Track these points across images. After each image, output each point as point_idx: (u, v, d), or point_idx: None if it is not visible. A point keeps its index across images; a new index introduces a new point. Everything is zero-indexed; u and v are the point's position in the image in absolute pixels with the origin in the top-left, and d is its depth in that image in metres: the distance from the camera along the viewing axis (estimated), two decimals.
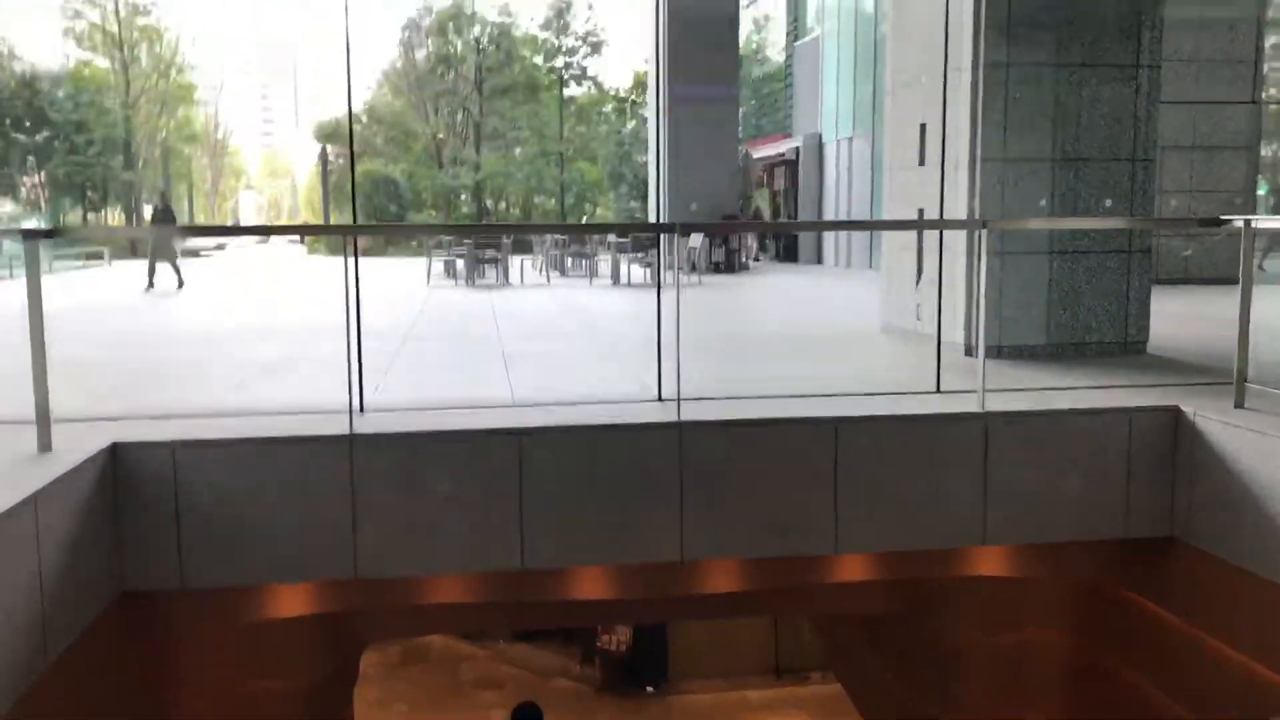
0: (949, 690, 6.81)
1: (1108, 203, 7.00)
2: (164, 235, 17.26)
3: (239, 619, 5.54)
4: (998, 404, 5.42)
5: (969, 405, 5.39)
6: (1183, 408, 5.35)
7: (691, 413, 5.19)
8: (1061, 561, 5.89)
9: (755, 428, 5.17)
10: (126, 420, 5.10)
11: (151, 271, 16.32)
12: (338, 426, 4.91)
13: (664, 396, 5.57)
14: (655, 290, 5.89)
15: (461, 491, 4.91)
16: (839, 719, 14.65)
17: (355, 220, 22.51)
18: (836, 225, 20.98)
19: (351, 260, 5.35)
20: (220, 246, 45.95)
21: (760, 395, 5.70)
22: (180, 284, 16.31)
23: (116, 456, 4.65)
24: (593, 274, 18.52)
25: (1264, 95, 14.52)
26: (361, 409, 5.25)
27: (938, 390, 5.82)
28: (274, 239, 53.66)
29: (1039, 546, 5.83)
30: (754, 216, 24.68)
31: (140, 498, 4.70)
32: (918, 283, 7.98)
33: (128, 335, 10.23)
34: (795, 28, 27.84)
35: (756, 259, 24.16)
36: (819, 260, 23.38)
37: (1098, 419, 5.40)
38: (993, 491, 5.28)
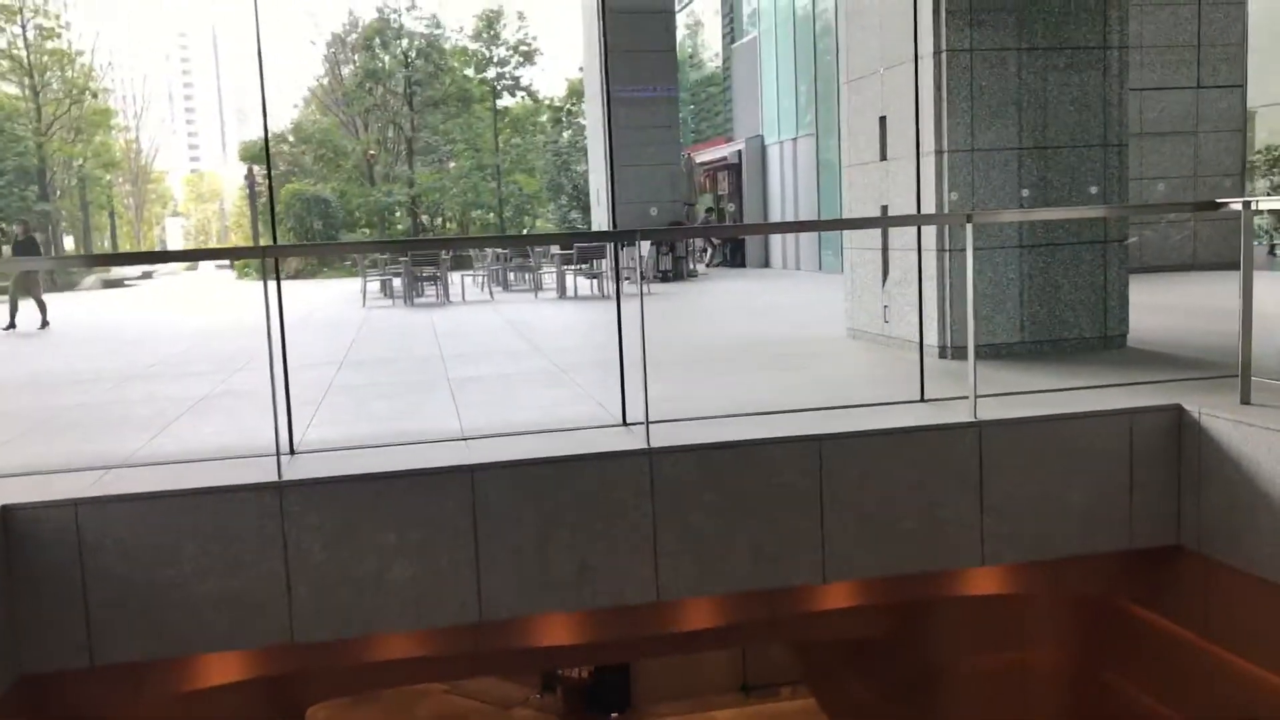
0: (942, 712, 6.40)
1: (1094, 189, 6.67)
2: (26, 269, 15.10)
3: (162, 692, 4.92)
4: (990, 411, 5.01)
5: (960, 414, 4.98)
6: (1185, 406, 4.99)
7: (661, 437, 4.71)
8: (1062, 576, 5.49)
9: (731, 450, 4.70)
10: (17, 478, 4.47)
11: (13, 310, 14.64)
12: (264, 473, 4.34)
13: (629, 420, 5.08)
14: (609, 302, 5.40)
15: (407, 539, 4.37)
16: None
17: (276, 241, 21.58)
18: (811, 226, 20.54)
19: (275, 284, 4.78)
20: (147, 275, 44.44)
21: (733, 414, 5.24)
22: (44, 323, 14.52)
23: (6, 521, 4.04)
24: (537, 287, 17.97)
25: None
26: (291, 450, 4.68)
27: (922, 399, 5.41)
28: (202, 265, 52.03)
29: (1039, 562, 5.44)
30: (701, 223, 24.28)
31: (37, 567, 4.10)
32: (884, 284, 7.59)
33: (11, 380, 9.13)
34: (731, 30, 27.58)
35: (708, 265, 23.78)
36: (766, 264, 23.06)
37: (1096, 423, 5.01)
38: (989, 506, 4.87)
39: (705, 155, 26.80)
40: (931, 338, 6.85)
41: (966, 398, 5.02)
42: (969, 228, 4.97)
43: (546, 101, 45.40)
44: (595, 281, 16.65)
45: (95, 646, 4.14)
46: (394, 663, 5.55)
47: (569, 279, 16.88)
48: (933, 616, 6.10)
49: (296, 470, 4.42)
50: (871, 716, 7.24)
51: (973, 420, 4.90)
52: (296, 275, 31.42)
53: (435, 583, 4.40)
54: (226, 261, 39.15)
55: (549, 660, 6.45)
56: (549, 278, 17.96)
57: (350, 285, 20.06)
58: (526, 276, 18.96)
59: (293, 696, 5.83)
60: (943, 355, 6.85)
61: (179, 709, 5.13)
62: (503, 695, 16.33)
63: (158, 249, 61.57)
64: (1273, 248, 15.64)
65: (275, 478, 4.29)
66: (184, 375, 8.26)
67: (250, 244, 43.01)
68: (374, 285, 18.02)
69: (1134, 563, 5.25)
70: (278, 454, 4.42)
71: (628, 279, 15.02)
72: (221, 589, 4.23)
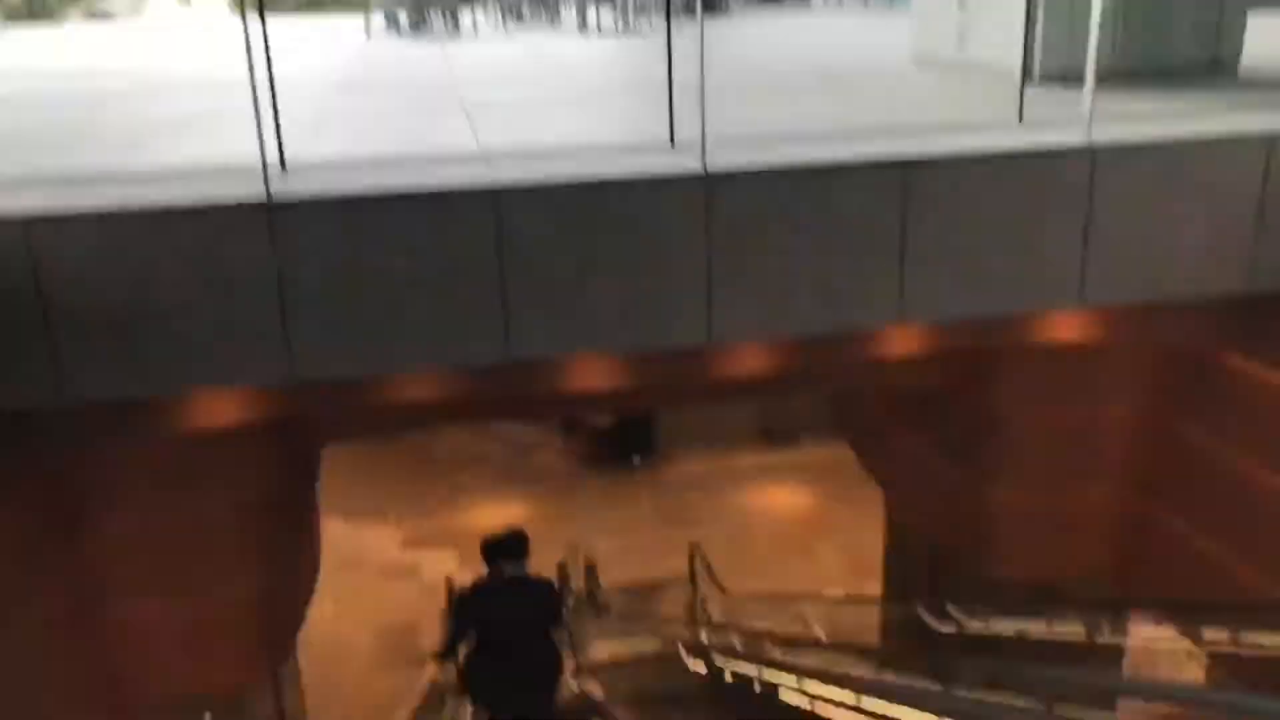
0: (996, 464, 6.03)
1: None
2: None
3: (157, 432, 4.50)
4: (1105, 134, 4.24)
5: (1071, 137, 4.21)
6: None
7: (716, 161, 3.98)
8: (1154, 323, 4.92)
9: (799, 176, 3.99)
10: None
11: None
12: (251, 188, 3.67)
13: (677, 142, 4.33)
14: (634, 36, 4.49)
15: (423, 268, 3.76)
16: (830, 482, 14.33)
17: None
18: None
19: None
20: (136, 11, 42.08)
21: (802, 137, 4.49)
22: None
23: None
24: (555, 21, 16.55)
25: None
26: (283, 165, 3.98)
27: (1020, 120, 4.62)
28: (195, 3, 49.07)
29: (1128, 309, 4.84)
30: None
31: None
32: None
33: None
34: None
35: None
36: (806, 1, 21.22)
37: (1227, 152, 4.26)
38: (1094, 241, 4.20)
39: None
40: (1013, 59, 5.93)
41: (1073, 122, 4.23)
42: None
43: None
44: (618, 15, 15.26)
45: (65, 381, 3.63)
46: (412, 405, 5.10)
47: (590, 10, 15.47)
48: (1002, 367, 5.60)
49: (290, 188, 3.74)
50: (918, 468, 6.91)
51: (1086, 144, 4.14)
52: (298, 9, 29.45)
53: (455, 317, 3.84)
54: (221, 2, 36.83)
55: (582, 407, 6.03)
56: (567, 11, 16.54)
57: (353, 22, 18.54)
58: (542, 11, 17.48)
59: (303, 439, 5.47)
60: (1030, 82, 5.96)
61: (177, 453, 4.75)
62: (523, 439, 16.43)
63: None
64: None
65: (264, 196, 3.63)
66: (167, 96, 7.41)
67: None
68: (379, 20, 16.65)
69: (1244, 310, 4.64)
70: (264, 168, 3.71)
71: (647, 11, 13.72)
72: (207, 321, 3.67)
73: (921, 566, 7.90)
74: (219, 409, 4.60)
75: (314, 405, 4.87)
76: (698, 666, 6.59)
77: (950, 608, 7.37)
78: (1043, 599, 6.78)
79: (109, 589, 4.97)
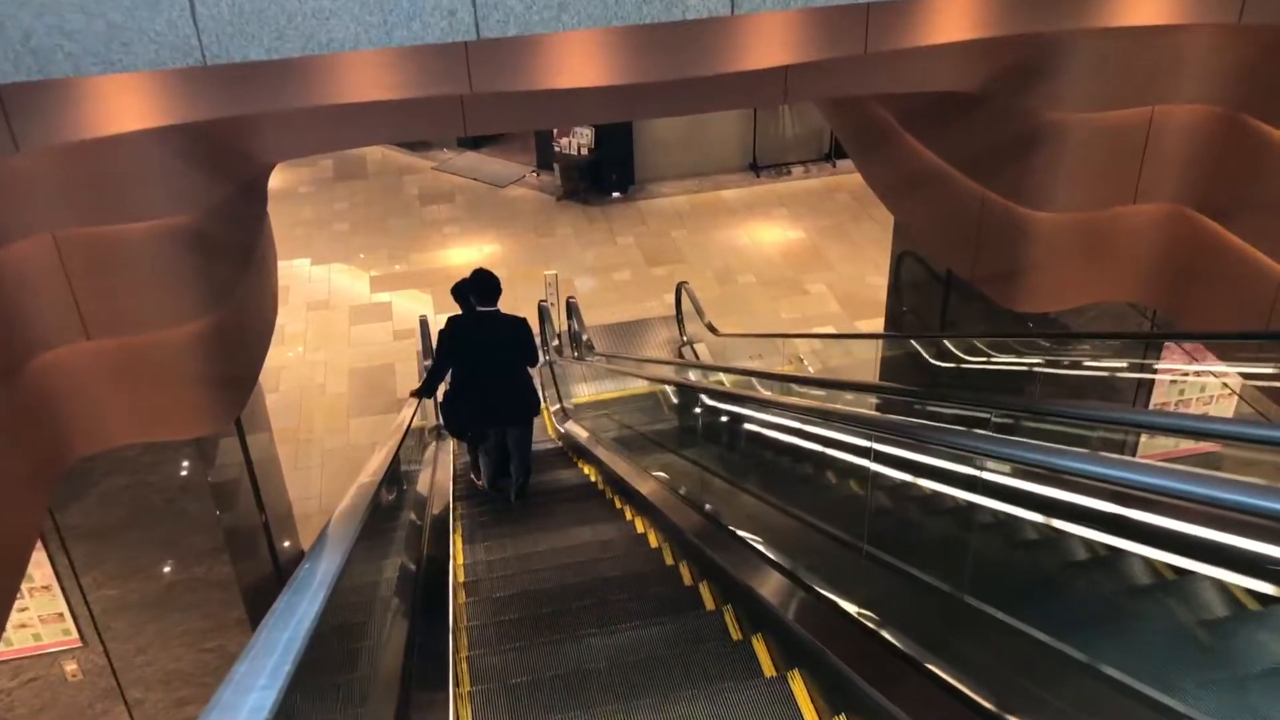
0: (1037, 180, 5.31)
1: None
2: None
3: (53, 133, 3.64)
4: None
5: None
6: None
7: None
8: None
9: None
10: None
11: None
12: None
13: None
14: None
15: None
16: (822, 216, 13.63)
17: None
18: None
19: None
20: None
21: None
22: None
23: None
24: None
25: None
26: None
27: None
28: None
29: None
30: None
31: None
32: None
33: None
34: None
35: None
36: None
37: None
38: None
39: None
40: None
41: None
42: None
43: None
44: None
45: None
46: (361, 109, 4.23)
47: None
48: (1051, 61, 4.76)
49: None
50: (936, 187, 6.17)
51: None
52: None
53: None
54: None
55: (562, 113, 5.16)
56: None
57: None
58: None
59: (238, 148, 4.61)
60: None
61: (85, 162, 3.91)
62: (495, 173, 15.45)
63: None
64: None
65: None
66: None
67: None
68: None
69: None
70: None
71: None
72: None
73: (932, 297, 7.34)
74: (121, 108, 3.72)
75: (239, 104, 3.99)
76: (681, 407, 6.14)
77: (947, 341, 6.91)
78: (1065, 332, 6.30)
79: (28, 335, 4.28)
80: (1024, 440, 2.30)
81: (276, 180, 15.13)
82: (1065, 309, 5.85)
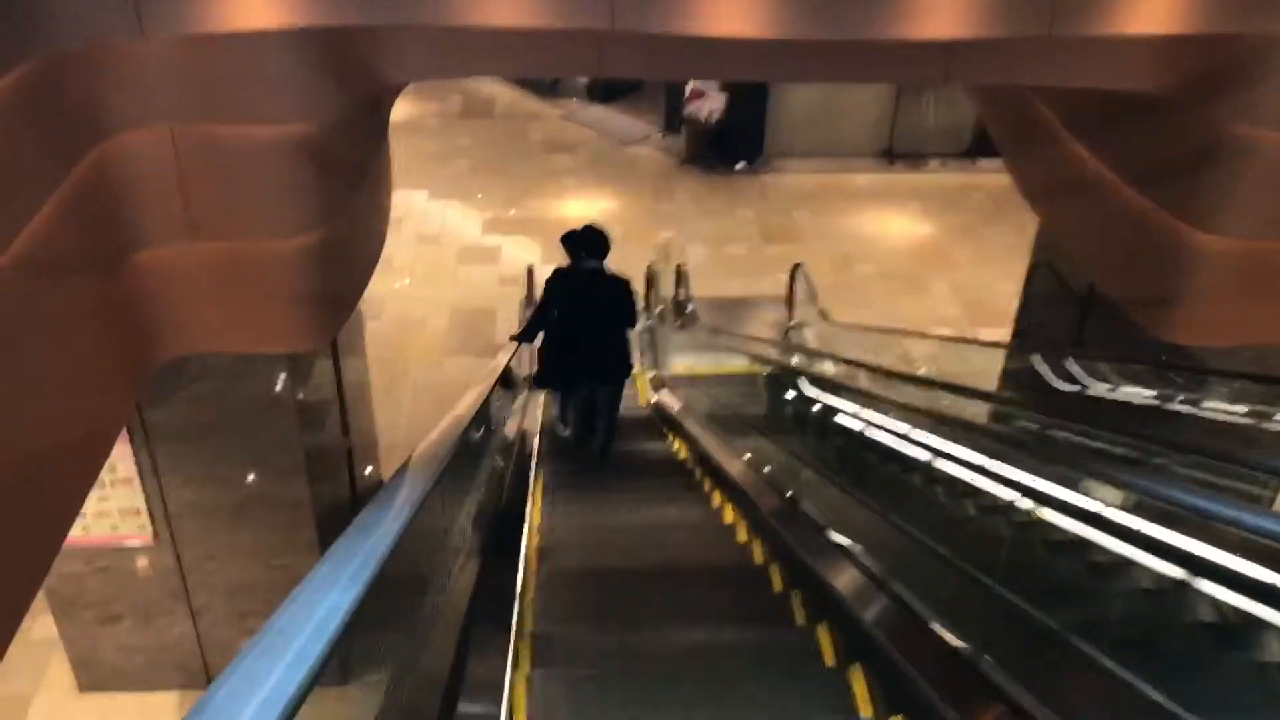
0: (1211, 198, 4.81)
1: None
2: None
3: (165, 25, 3.51)
4: None
5: None
6: None
7: None
8: None
9: None
10: None
11: None
12: None
13: None
14: None
15: None
16: (954, 213, 13.02)
17: None
18: None
19: None
20: None
21: None
22: None
23: None
24: None
25: None
26: None
27: None
28: None
29: None
30: None
31: None
32: None
33: None
34: None
35: None
36: None
37: None
38: None
39: None
40: None
41: None
42: None
43: None
44: None
45: None
46: (495, 34, 4.01)
47: None
48: (1245, 70, 4.26)
49: None
50: (1093, 194, 5.69)
51: None
52: None
53: None
54: None
55: (704, 64, 4.85)
56: None
57: None
58: None
59: (362, 62, 4.45)
60: None
61: (199, 56, 3.77)
62: (621, 130, 15.20)
63: None
64: None
65: None
66: None
67: None
68: None
69: None
70: None
71: None
72: None
73: (1065, 314, 6.85)
74: (258, 2, 3.57)
75: (379, 13, 3.81)
76: (781, 391, 5.84)
77: (1072, 361, 6.41)
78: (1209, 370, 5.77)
79: (133, 228, 4.20)
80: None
81: (405, 111, 15.18)
82: (1221, 345, 5.33)
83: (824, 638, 3.52)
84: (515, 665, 3.36)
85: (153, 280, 4.40)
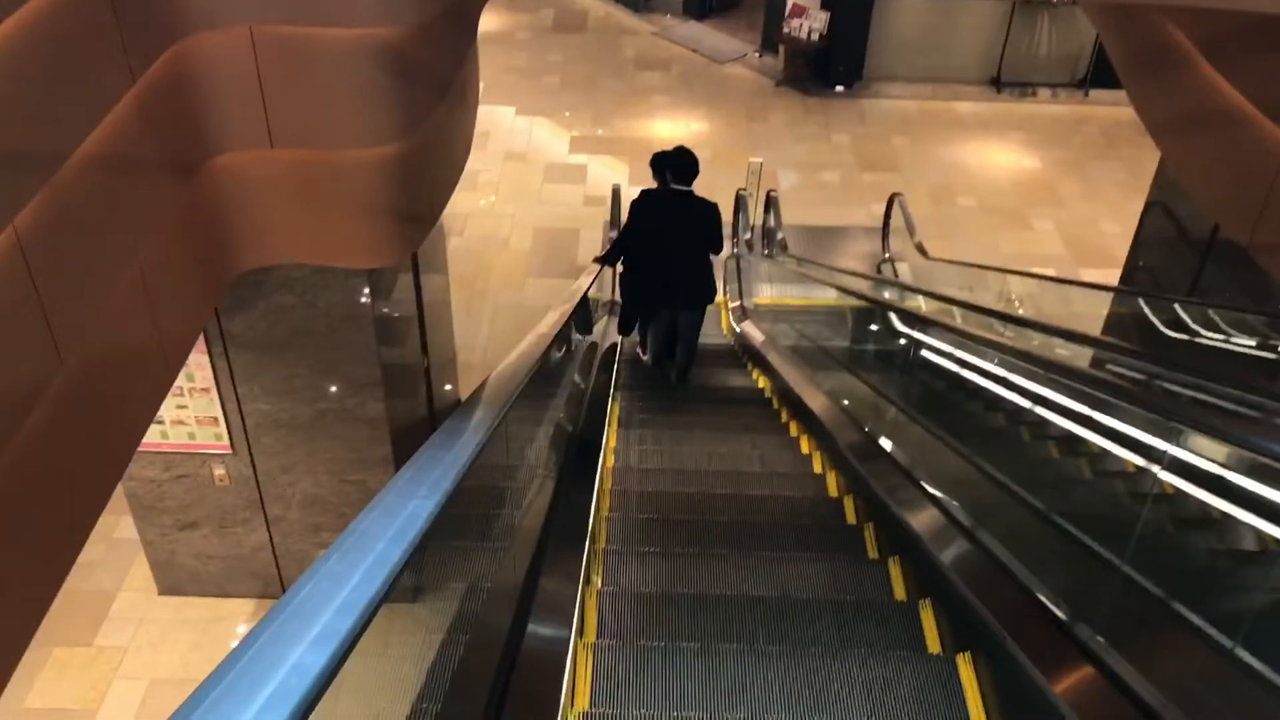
0: None
1: None
2: None
3: None
4: None
5: None
6: None
7: None
8: None
9: None
10: None
11: None
12: None
13: None
14: None
15: None
16: (1061, 146, 12.35)
17: None
18: None
19: None
20: None
21: None
22: None
23: None
24: None
25: None
26: None
27: None
28: None
29: None
30: None
31: None
32: None
33: None
34: None
35: None
36: None
37: None
38: None
39: None
40: None
41: None
42: None
43: None
44: None
45: None
46: None
47: None
48: None
49: None
50: (1225, 124, 5.24)
51: None
52: None
53: None
54: None
55: None
56: None
57: None
58: None
59: None
60: None
61: None
62: (716, 48, 14.69)
63: None
64: None
65: None
66: None
67: None
68: None
69: None
70: None
71: None
72: None
73: (1180, 258, 6.41)
74: None
75: None
76: (877, 327, 5.59)
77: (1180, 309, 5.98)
78: None
79: (212, 131, 4.10)
80: None
81: (495, 23, 14.90)
82: None
83: (895, 571, 3.47)
84: (586, 580, 3.35)
85: (232, 186, 4.31)
